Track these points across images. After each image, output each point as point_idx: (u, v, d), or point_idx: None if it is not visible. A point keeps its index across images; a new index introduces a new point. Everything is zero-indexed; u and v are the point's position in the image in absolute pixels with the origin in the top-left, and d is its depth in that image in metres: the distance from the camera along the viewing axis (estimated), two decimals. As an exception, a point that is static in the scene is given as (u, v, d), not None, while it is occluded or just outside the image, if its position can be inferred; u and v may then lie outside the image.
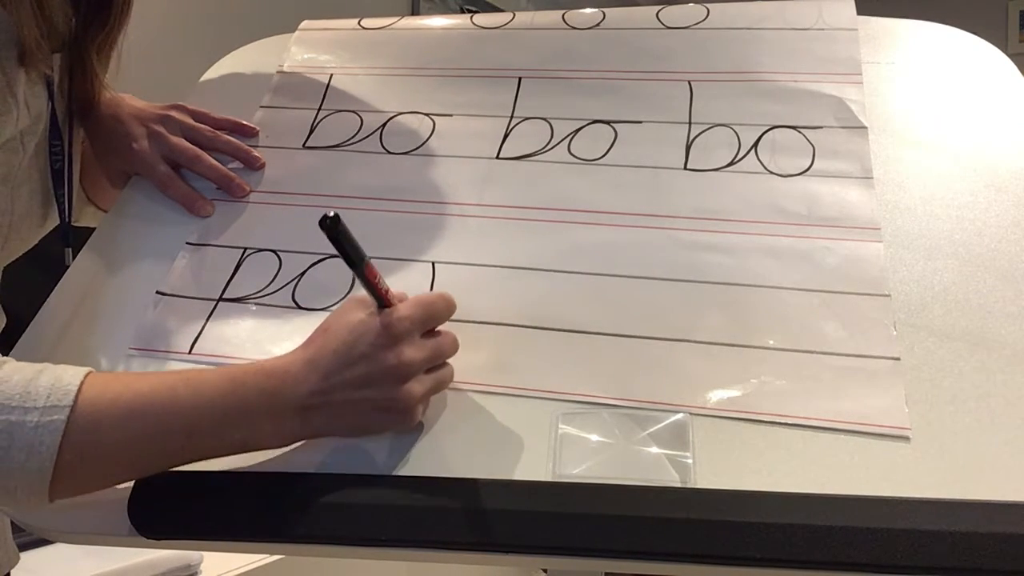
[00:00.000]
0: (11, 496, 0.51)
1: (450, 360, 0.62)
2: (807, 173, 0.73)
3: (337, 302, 0.70)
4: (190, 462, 0.57)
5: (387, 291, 0.58)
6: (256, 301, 0.71)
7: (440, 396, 0.62)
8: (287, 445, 0.59)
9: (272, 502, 0.57)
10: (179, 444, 0.55)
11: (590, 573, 0.70)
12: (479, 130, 0.82)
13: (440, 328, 0.61)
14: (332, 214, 0.53)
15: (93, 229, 0.79)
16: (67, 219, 0.75)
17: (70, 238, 0.75)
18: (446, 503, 0.56)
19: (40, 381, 0.52)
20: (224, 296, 0.72)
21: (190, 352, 0.68)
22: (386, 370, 0.56)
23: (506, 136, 0.81)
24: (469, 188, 0.77)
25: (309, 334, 0.59)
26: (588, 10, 0.90)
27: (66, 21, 0.72)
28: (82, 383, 0.53)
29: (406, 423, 0.59)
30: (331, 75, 0.90)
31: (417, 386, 0.58)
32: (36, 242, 0.76)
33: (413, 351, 0.57)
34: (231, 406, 0.55)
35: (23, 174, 0.70)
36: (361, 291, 0.59)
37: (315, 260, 0.74)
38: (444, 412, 0.62)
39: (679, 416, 0.59)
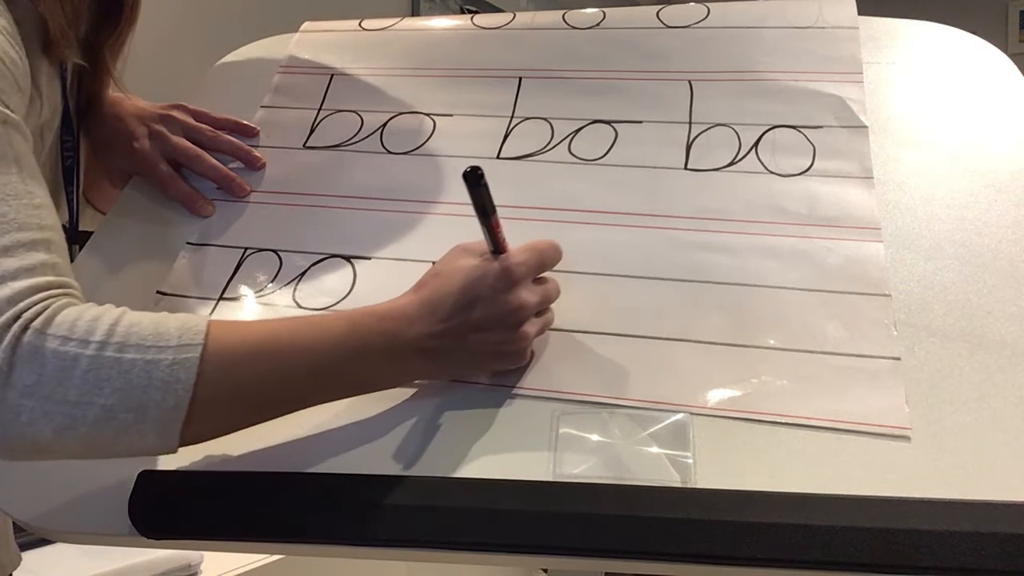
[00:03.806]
0: (143, 439, 0.51)
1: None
2: (807, 173, 0.73)
3: (337, 302, 0.70)
4: (315, 404, 0.58)
5: (504, 239, 0.61)
6: (256, 301, 0.72)
7: (441, 395, 0.62)
8: (403, 385, 0.62)
9: (272, 502, 0.57)
10: (304, 383, 0.56)
11: (590, 573, 0.70)
12: (480, 130, 0.82)
13: (544, 275, 0.64)
14: (476, 167, 0.56)
15: (91, 232, 0.80)
16: (75, 217, 0.75)
17: (77, 236, 0.76)
18: (447, 503, 0.56)
19: (169, 323, 0.53)
20: (225, 295, 0.72)
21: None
22: (506, 313, 0.59)
23: (506, 136, 0.81)
24: (469, 188, 0.77)
25: None
26: (588, 10, 0.90)
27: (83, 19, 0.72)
28: (208, 324, 0.54)
29: (518, 364, 0.62)
30: (332, 75, 0.90)
31: (531, 328, 0.61)
32: None
33: (529, 295, 0.60)
34: (351, 346, 0.57)
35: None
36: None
37: (315, 260, 0.74)
38: (444, 412, 0.62)
39: (679, 416, 0.59)
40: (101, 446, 0.50)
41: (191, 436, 0.53)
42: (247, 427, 0.57)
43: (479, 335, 0.59)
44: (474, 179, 0.56)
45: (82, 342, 0.49)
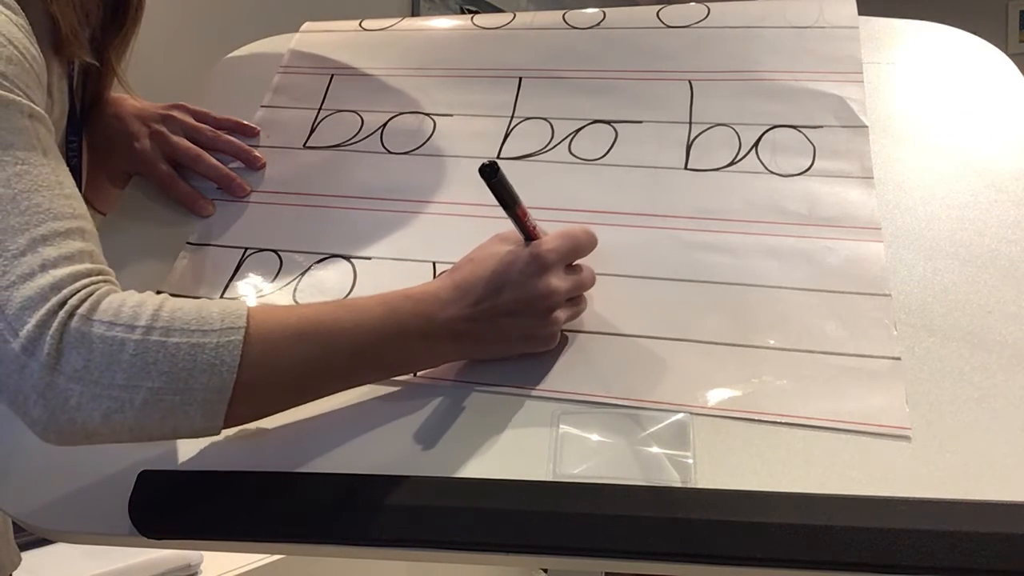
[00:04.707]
0: (189, 421, 0.52)
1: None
2: (808, 173, 0.73)
3: (337, 302, 0.70)
4: (352, 386, 0.60)
5: (534, 227, 0.62)
6: (257, 300, 0.71)
7: (441, 395, 0.62)
8: (438, 366, 0.63)
9: (272, 502, 0.57)
10: (344, 365, 0.58)
11: (590, 573, 0.70)
12: (480, 130, 0.82)
13: (579, 263, 0.65)
14: (491, 162, 0.57)
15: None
16: None
17: None
18: (446, 503, 0.56)
19: (211, 307, 0.53)
20: (225, 296, 0.72)
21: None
22: (535, 298, 0.60)
23: (507, 136, 0.81)
24: (469, 188, 0.77)
25: None
26: (588, 10, 0.90)
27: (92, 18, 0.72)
28: (248, 308, 0.55)
29: (546, 348, 0.63)
30: (332, 75, 0.90)
31: (561, 314, 0.62)
32: None
33: (559, 281, 0.61)
34: (390, 329, 0.58)
35: None
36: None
37: (316, 260, 0.74)
38: (444, 412, 0.62)
39: (679, 416, 0.59)
40: (148, 429, 0.51)
41: (234, 418, 0.54)
42: (286, 409, 0.58)
43: (509, 319, 0.60)
44: (491, 173, 0.57)
45: (128, 327, 0.50)
